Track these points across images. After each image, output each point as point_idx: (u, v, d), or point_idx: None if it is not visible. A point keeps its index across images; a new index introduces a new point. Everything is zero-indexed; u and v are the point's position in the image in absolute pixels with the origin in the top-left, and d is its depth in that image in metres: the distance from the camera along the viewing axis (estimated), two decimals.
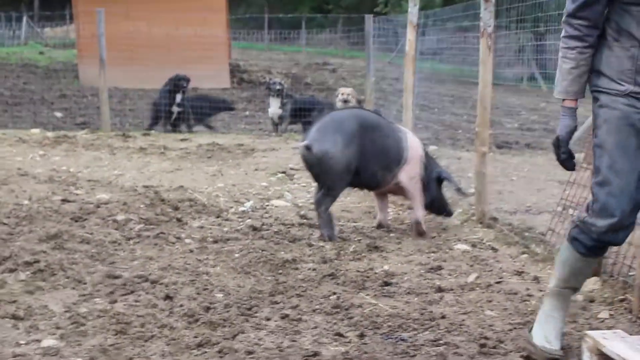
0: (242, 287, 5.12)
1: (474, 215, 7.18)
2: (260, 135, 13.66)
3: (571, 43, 3.76)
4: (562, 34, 3.81)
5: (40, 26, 40.21)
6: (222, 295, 4.96)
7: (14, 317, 4.50)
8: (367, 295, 5.01)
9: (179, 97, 13.99)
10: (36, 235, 6.15)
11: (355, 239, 6.46)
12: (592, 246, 3.83)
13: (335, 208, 7.42)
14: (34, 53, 28.91)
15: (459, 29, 11.31)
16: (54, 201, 7.43)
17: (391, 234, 6.70)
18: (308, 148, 6.39)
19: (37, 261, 5.46)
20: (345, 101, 11.93)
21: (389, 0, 35.71)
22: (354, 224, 7.05)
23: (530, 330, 4.09)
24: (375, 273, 5.49)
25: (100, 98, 13.52)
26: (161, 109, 14.05)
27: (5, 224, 6.52)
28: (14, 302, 4.73)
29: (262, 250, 5.95)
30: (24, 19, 38.38)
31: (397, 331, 4.38)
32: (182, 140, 12.10)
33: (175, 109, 14.03)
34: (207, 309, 4.69)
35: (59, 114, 16.20)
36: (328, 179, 6.47)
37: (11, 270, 5.30)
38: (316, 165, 6.46)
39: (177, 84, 13.98)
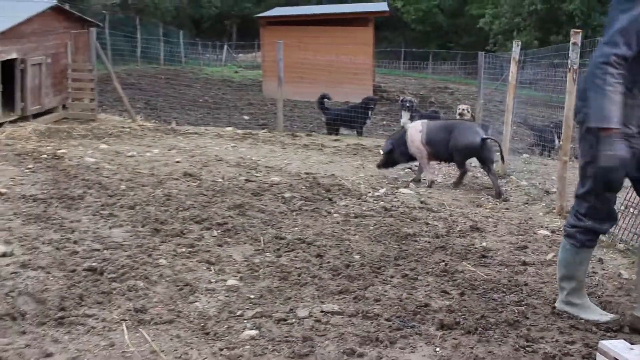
0: (374, 251, 5.15)
1: (554, 209, 6.98)
2: None
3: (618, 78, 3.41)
4: (610, 70, 3.38)
5: (236, 52, 41.22)
6: (359, 256, 5.00)
7: (208, 262, 4.68)
8: (468, 264, 4.96)
9: (369, 113, 14.10)
10: (226, 204, 6.35)
11: (462, 221, 6.37)
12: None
13: (447, 197, 7.35)
14: (231, 72, 29.68)
15: (550, 65, 10.95)
16: (240, 180, 7.62)
17: (489, 219, 6.58)
18: (486, 140, 7.98)
19: (226, 223, 5.64)
20: (461, 114, 11.68)
21: (497, 40, 34.92)
22: (461, 210, 6.95)
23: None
24: (475, 248, 5.42)
25: (277, 106, 13.71)
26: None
27: (205, 195, 6.75)
28: (208, 251, 4.92)
29: (391, 226, 5.96)
30: (225, 47, 39.45)
31: (489, 292, 4.32)
32: (335, 140, 12.15)
33: (368, 121, 14.12)
34: (347, 266, 4.74)
35: (246, 117, 16.57)
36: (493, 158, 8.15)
37: (207, 229, 5.51)
38: (493, 150, 8.18)
39: (368, 104, 14.05)
